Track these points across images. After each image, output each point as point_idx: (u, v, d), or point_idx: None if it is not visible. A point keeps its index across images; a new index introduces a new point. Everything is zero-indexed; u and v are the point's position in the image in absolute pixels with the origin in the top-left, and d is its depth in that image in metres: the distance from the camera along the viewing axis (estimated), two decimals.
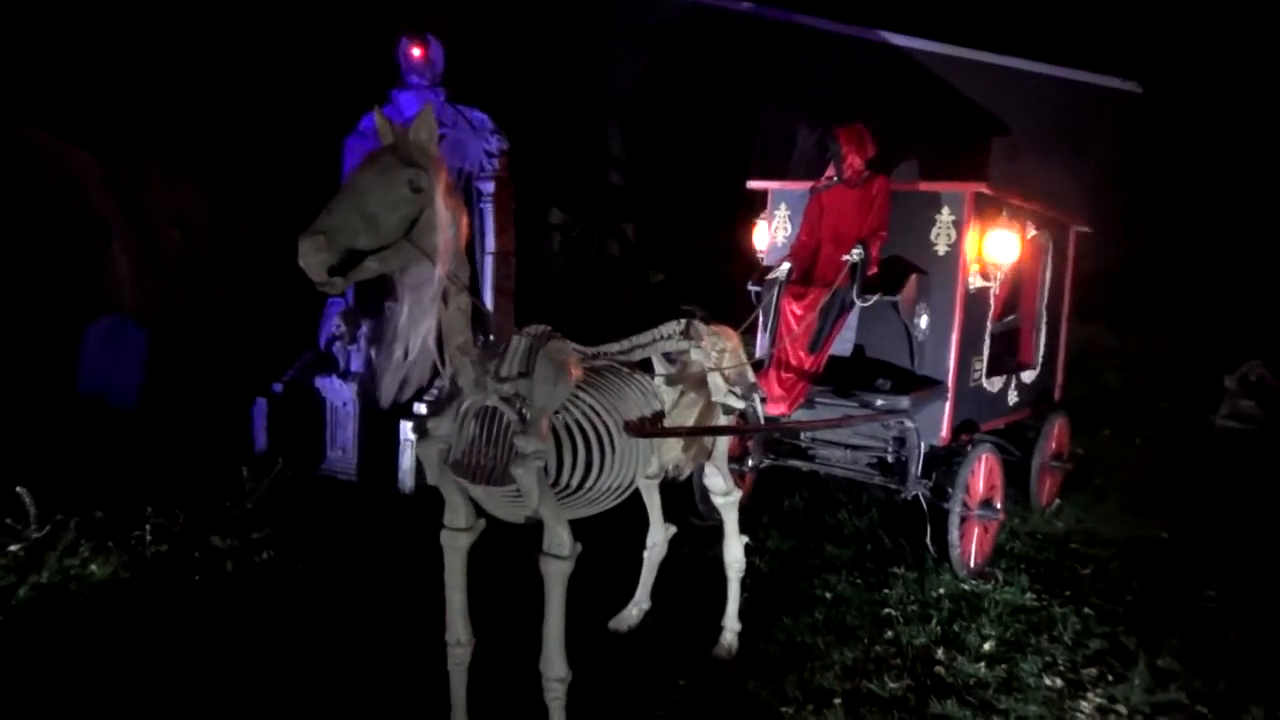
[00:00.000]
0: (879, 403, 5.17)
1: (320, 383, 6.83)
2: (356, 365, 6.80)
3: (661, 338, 3.91)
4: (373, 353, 2.99)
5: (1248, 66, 13.14)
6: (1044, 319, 6.84)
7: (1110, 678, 4.37)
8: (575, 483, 3.23)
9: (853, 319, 5.67)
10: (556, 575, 3.17)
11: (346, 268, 2.58)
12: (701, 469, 4.45)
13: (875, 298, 5.30)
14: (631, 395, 3.52)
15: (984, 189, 5.46)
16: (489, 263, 6.96)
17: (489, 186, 6.86)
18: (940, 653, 4.51)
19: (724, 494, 4.26)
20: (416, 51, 6.98)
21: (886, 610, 4.94)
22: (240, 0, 10.72)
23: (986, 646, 4.58)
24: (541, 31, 14.09)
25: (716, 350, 4.11)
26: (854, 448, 5.77)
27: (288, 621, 4.51)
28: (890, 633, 4.70)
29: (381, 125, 2.86)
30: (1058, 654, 4.55)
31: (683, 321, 4.04)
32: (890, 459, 5.68)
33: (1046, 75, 13.36)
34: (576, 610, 3.38)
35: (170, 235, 9.52)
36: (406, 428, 6.38)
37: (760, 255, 6.31)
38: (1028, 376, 6.69)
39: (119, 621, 4.42)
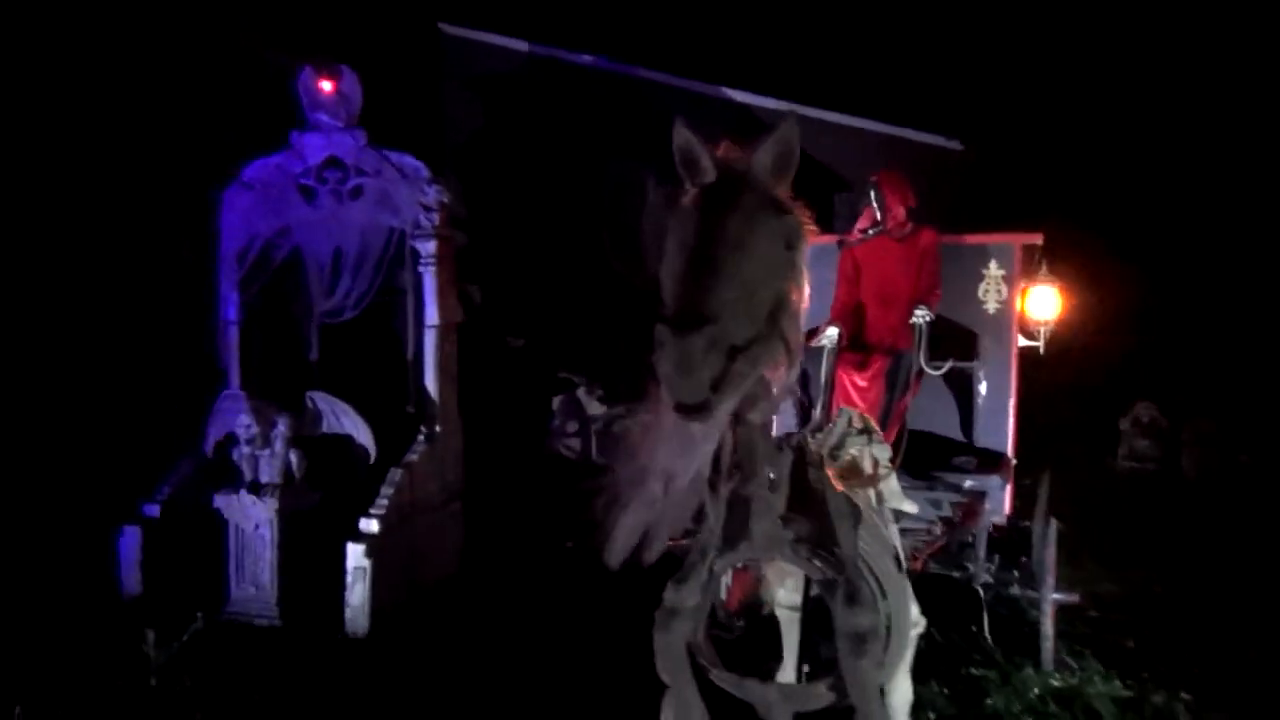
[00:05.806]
0: (967, 484, 4.54)
1: (221, 501, 5.28)
2: (269, 475, 5.32)
3: (848, 435, 3.04)
4: (619, 507, 1.88)
5: (1060, 128, 14.33)
6: None
7: None
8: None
9: None
10: None
11: (721, 379, 1.57)
12: None
13: (948, 364, 4.69)
14: (879, 520, 2.63)
15: (1036, 240, 5.05)
16: (431, 338, 5.74)
17: (429, 246, 5.68)
18: None
19: None
20: (327, 85, 5.74)
21: None
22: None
23: None
24: (368, 78, 12.83)
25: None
26: (902, 532, 5.09)
27: None
28: None
29: (689, 145, 1.87)
30: None
31: (850, 413, 3.20)
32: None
33: (880, 132, 13.92)
34: None
35: None
36: (356, 552, 5.02)
37: None
38: None
39: None
